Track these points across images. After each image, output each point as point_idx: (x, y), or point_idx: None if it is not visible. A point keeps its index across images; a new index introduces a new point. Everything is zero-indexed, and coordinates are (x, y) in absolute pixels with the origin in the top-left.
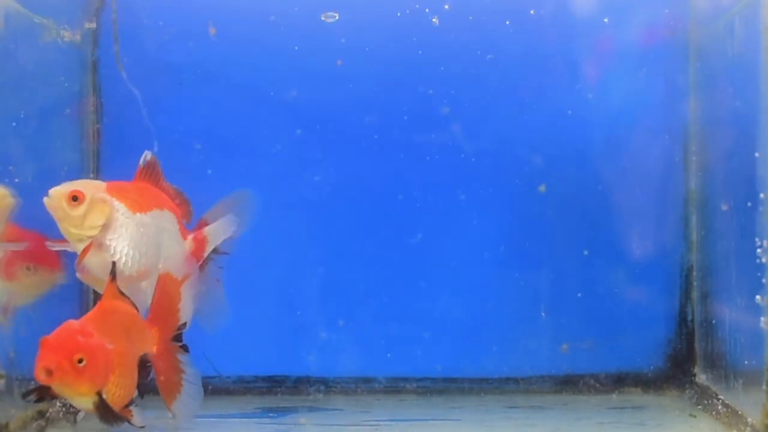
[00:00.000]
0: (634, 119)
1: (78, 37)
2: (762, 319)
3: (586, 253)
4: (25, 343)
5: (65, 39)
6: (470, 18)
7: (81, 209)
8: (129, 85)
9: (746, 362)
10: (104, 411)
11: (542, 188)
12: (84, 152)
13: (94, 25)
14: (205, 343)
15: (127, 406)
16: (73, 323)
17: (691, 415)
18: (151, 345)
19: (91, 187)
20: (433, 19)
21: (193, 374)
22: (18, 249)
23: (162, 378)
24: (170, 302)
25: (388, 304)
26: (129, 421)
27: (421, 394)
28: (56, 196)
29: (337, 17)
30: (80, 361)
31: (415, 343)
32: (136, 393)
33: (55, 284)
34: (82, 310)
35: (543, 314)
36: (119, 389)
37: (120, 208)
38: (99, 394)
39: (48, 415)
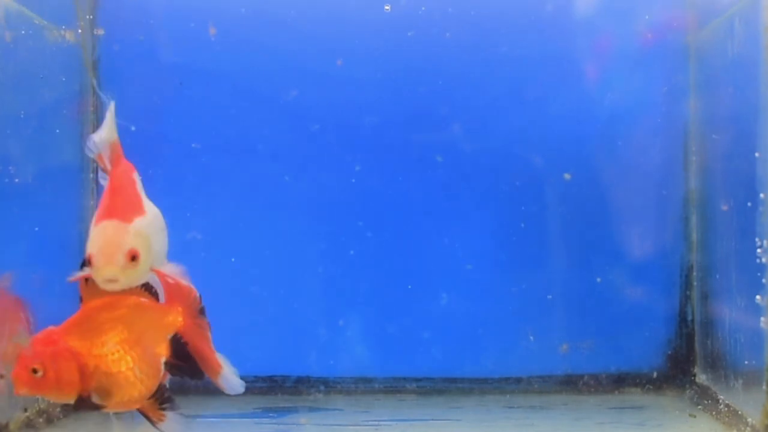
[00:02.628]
0: (634, 119)
1: (72, 38)
2: (762, 319)
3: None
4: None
5: (66, 40)
6: (471, 19)
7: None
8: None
9: (746, 362)
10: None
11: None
12: (84, 152)
13: (102, 32)
14: None
15: (163, 408)
16: (43, 332)
17: (690, 414)
18: (175, 326)
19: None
20: (434, 20)
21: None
22: None
23: (198, 354)
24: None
25: (388, 304)
26: (154, 424)
27: (421, 394)
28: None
29: None
30: (35, 371)
31: (415, 343)
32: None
33: None
34: None
35: (542, 314)
36: (115, 388)
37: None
38: (81, 397)
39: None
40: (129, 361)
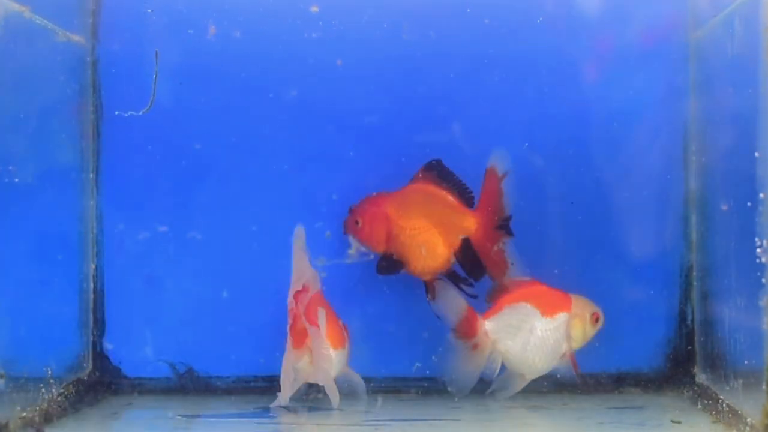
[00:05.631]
0: (634, 119)
1: (77, 38)
2: (762, 319)
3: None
4: (24, 343)
5: (67, 40)
6: (471, 18)
7: None
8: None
9: (746, 362)
10: None
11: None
12: (84, 152)
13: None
14: (205, 343)
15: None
16: (372, 196)
17: (673, 420)
18: (468, 231)
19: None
20: (434, 19)
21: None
22: None
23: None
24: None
25: (388, 304)
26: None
27: (421, 394)
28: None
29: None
30: (357, 222)
31: (414, 343)
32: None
33: None
34: (81, 309)
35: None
36: (405, 256)
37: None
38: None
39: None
40: (420, 240)
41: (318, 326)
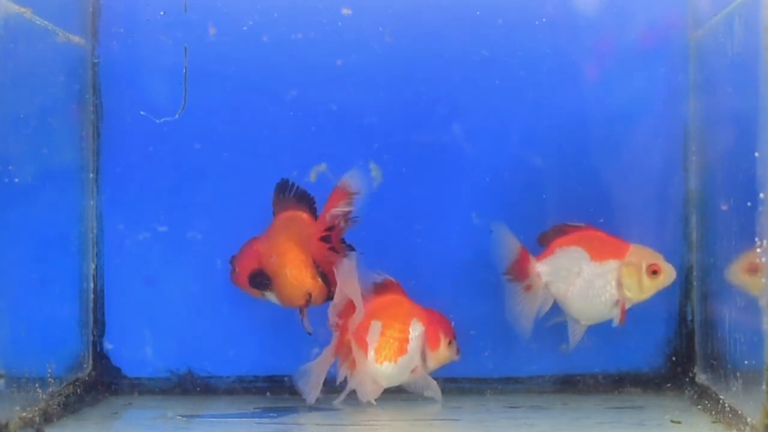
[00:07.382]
0: (634, 119)
1: (77, 39)
2: (762, 319)
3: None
4: (24, 343)
5: (67, 41)
6: (471, 18)
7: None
8: None
9: (746, 362)
10: None
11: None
12: (84, 152)
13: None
14: (205, 343)
15: None
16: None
17: (673, 421)
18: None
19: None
20: (434, 19)
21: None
22: None
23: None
24: None
25: None
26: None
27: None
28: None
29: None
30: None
31: None
32: None
33: None
34: (81, 309)
35: (543, 313)
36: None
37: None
38: None
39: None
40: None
41: (366, 347)
